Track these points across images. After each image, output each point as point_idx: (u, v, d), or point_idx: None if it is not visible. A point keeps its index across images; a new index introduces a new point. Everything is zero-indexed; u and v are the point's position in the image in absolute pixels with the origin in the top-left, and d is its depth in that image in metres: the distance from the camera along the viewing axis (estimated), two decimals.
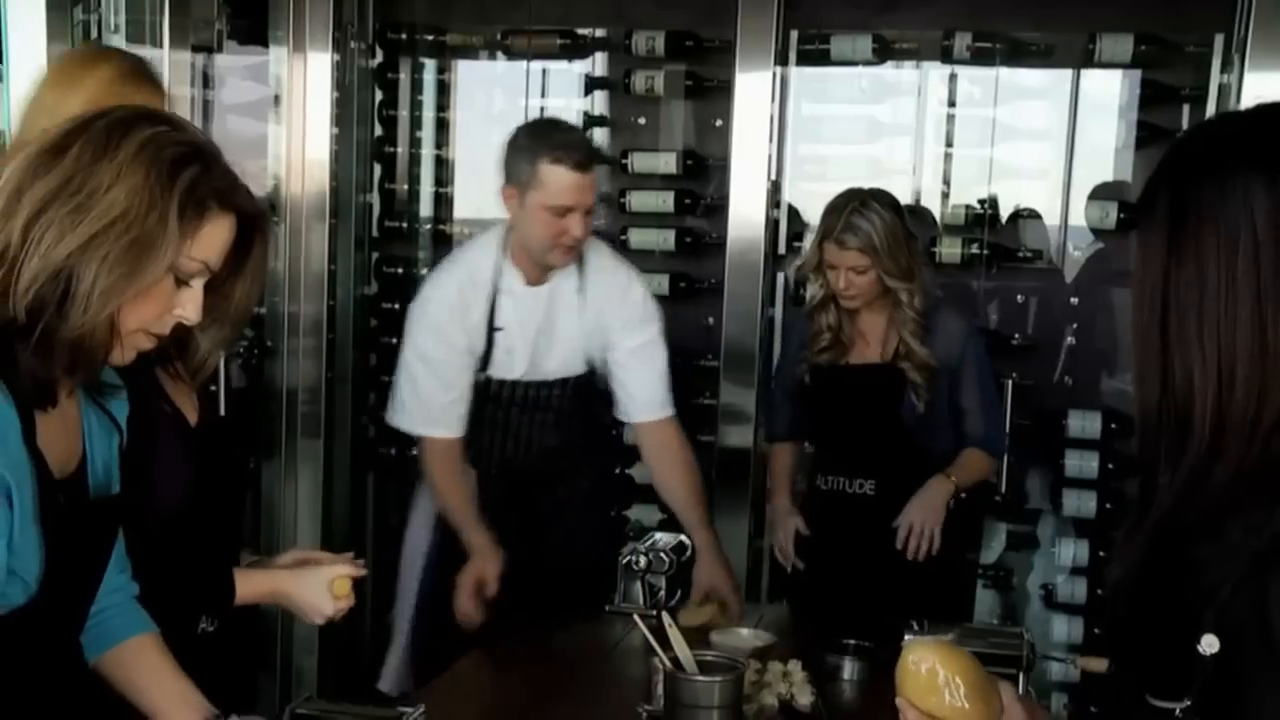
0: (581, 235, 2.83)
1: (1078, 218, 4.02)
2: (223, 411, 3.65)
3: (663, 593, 2.80)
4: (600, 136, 4.38)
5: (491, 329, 2.96)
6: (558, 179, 2.77)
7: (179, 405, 2.06)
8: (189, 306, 1.58)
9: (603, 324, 3.01)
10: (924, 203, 4.18)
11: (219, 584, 2.08)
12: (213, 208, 1.55)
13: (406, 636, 3.12)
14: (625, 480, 4.02)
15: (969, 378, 3.07)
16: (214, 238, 1.57)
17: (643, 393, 3.04)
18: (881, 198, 3.00)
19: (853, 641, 2.47)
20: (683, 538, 2.90)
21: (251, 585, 2.11)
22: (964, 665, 1.40)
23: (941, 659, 1.40)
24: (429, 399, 2.97)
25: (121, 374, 1.71)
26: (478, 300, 2.94)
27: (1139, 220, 1.27)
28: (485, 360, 2.98)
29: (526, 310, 2.96)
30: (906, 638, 2.39)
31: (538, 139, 2.83)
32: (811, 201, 4.20)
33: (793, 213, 4.15)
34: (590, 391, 3.11)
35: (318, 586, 2.10)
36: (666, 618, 2.26)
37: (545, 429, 3.08)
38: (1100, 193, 4.00)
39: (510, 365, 3.00)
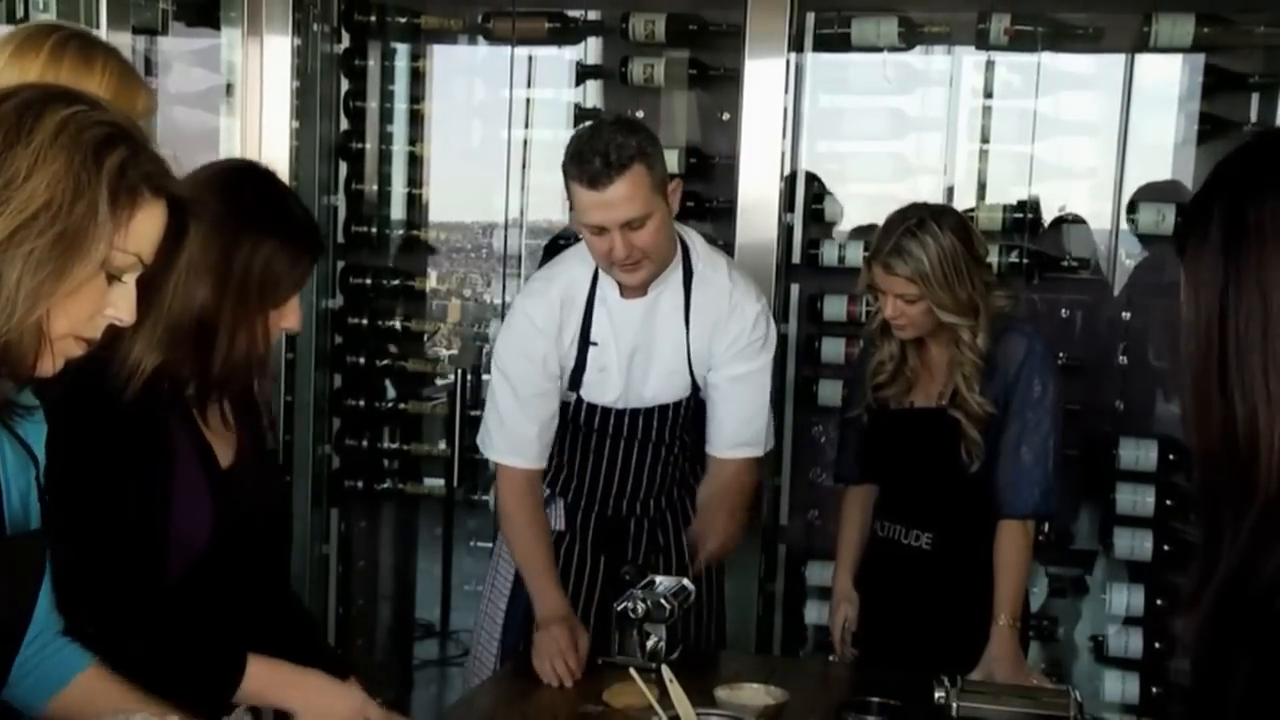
0: (625, 254, 2.76)
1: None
2: None
3: (663, 644, 2.76)
4: None
5: (586, 343, 2.96)
6: (578, 198, 2.76)
7: (212, 441, 2.10)
8: (122, 305, 1.56)
9: (707, 343, 2.97)
10: (956, 206, 4.15)
11: (225, 661, 2.02)
12: (144, 194, 1.54)
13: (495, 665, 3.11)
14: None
15: (1012, 407, 2.92)
16: (147, 227, 1.55)
17: (732, 427, 3.01)
18: (945, 218, 2.91)
19: (877, 700, 2.44)
20: (685, 581, 2.86)
21: (268, 677, 2.04)
22: None
23: None
24: (509, 423, 2.96)
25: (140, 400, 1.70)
26: (573, 313, 2.94)
27: (1186, 240, 1.25)
28: (577, 380, 2.98)
29: (622, 324, 2.94)
30: (937, 694, 2.37)
31: (568, 149, 2.80)
32: (828, 205, 4.18)
33: (809, 216, 4.13)
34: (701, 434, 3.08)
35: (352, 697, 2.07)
36: (667, 672, 2.24)
37: (647, 475, 3.06)
38: (1148, 194, 3.96)
39: (604, 387, 2.98)
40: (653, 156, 2.76)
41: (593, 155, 2.71)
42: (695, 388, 3.01)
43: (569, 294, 2.94)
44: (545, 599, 2.85)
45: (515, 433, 2.96)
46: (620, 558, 3.07)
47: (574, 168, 2.74)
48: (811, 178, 4.14)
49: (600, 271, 2.91)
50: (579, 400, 3.00)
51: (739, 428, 3.01)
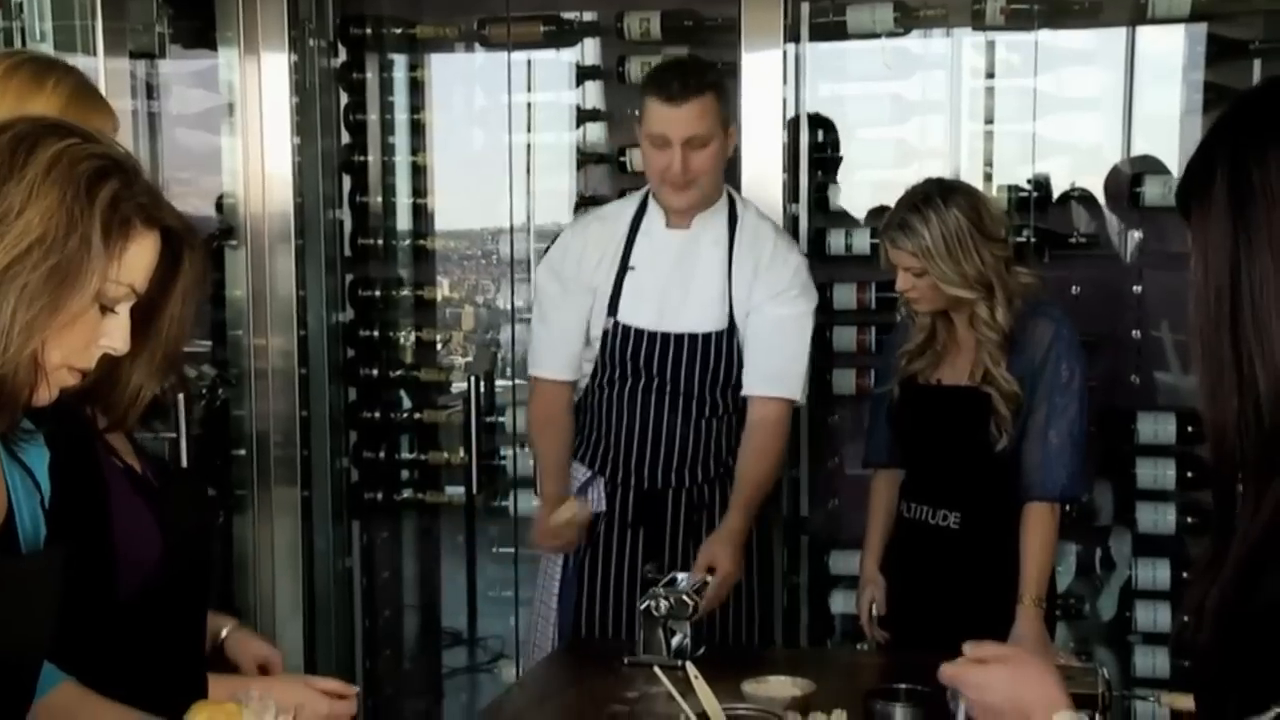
0: (680, 170, 2.99)
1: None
2: (184, 461, 3.65)
3: (688, 641, 2.76)
4: (594, 132, 4.37)
5: (624, 268, 3.13)
6: (651, 109, 3.02)
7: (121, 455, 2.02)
8: (116, 335, 1.57)
9: (749, 285, 3.11)
10: None
11: (187, 681, 2.00)
12: (137, 225, 1.55)
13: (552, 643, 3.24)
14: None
15: (1040, 391, 2.94)
16: (140, 258, 1.57)
17: (769, 364, 3.12)
18: (953, 194, 2.93)
19: (904, 686, 2.42)
20: (708, 577, 2.86)
21: (226, 690, 2.00)
22: None
23: None
24: (539, 336, 3.24)
25: (50, 421, 1.69)
26: (613, 238, 3.16)
27: (1190, 203, 1.22)
28: (614, 303, 3.13)
29: (661, 251, 3.13)
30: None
31: (647, 75, 3.17)
32: (832, 194, 4.17)
33: (816, 204, 4.12)
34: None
35: (312, 698, 2.04)
36: (691, 669, 2.23)
37: (680, 438, 3.15)
38: (1144, 165, 3.95)
39: (638, 308, 3.13)
40: (723, 93, 3.09)
41: (674, 76, 3.04)
42: (731, 325, 3.11)
43: (613, 217, 3.19)
44: (548, 485, 3.15)
45: (541, 344, 3.21)
46: (659, 529, 3.15)
47: (653, 85, 3.05)
48: (817, 162, 4.13)
49: (647, 204, 3.13)
50: (615, 329, 3.11)
51: (776, 365, 3.11)
